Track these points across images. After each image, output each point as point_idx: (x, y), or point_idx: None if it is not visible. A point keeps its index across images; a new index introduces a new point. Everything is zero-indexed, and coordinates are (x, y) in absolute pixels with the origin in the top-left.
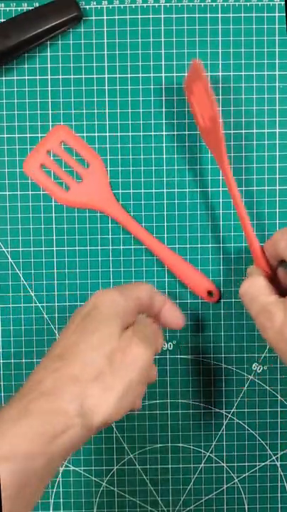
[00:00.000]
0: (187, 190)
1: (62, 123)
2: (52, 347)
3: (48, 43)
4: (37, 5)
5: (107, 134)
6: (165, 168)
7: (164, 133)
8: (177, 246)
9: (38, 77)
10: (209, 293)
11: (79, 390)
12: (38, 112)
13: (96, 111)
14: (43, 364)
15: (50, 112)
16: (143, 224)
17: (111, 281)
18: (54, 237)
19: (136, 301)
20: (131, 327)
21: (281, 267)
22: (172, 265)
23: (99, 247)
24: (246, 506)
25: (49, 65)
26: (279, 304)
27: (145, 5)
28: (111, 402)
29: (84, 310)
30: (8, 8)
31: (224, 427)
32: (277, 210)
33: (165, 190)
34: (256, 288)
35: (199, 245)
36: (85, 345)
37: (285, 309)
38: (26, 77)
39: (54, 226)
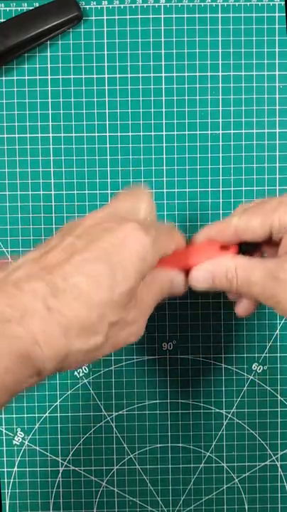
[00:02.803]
0: (187, 190)
1: (62, 123)
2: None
3: (48, 43)
4: (37, 5)
5: (107, 134)
6: (165, 168)
7: (164, 133)
8: None
9: (37, 77)
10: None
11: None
12: (38, 112)
13: (96, 111)
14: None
15: (50, 111)
16: None
17: None
18: None
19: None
20: None
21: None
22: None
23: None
24: (246, 506)
25: (49, 65)
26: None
27: (145, 5)
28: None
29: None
30: (8, 8)
31: (224, 427)
32: None
33: (165, 191)
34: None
35: None
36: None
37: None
38: (26, 77)
39: (54, 226)
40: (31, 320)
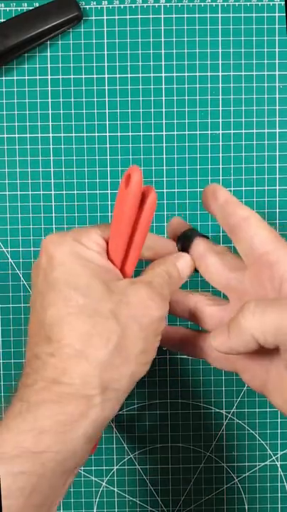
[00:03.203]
0: (187, 190)
1: (62, 123)
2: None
3: (48, 42)
4: (37, 5)
5: (107, 134)
6: (165, 168)
7: (164, 133)
8: None
9: (37, 77)
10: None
11: (89, 365)
12: (38, 112)
13: (96, 111)
14: (33, 353)
15: (50, 111)
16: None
17: None
18: None
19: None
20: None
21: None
22: None
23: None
24: (246, 506)
25: (49, 65)
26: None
27: (145, 5)
28: (131, 362)
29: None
30: (8, 8)
31: (224, 427)
32: (277, 210)
33: (165, 191)
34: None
35: None
36: (75, 316)
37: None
38: (26, 77)
39: (54, 226)
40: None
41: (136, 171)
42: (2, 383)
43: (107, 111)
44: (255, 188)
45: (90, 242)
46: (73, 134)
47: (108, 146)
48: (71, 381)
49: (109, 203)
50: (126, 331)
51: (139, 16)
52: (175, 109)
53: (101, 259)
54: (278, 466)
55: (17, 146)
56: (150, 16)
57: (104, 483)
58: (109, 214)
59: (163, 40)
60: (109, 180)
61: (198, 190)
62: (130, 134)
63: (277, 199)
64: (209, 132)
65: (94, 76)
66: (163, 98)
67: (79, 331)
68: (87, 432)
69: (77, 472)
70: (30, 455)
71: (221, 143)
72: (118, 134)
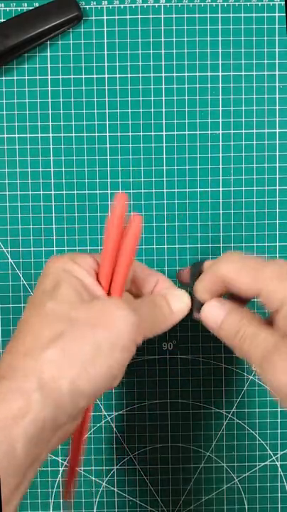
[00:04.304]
0: (187, 190)
1: (62, 123)
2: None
3: (48, 42)
4: (37, 5)
5: (107, 134)
6: (165, 168)
7: (164, 133)
8: (177, 246)
9: (37, 77)
10: None
11: (34, 361)
12: (38, 112)
13: (96, 111)
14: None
15: (50, 111)
16: (143, 224)
17: None
18: (54, 237)
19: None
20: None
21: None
22: None
23: (99, 248)
24: (246, 506)
25: (49, 65)
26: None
27: (145, 5)
28: (76, 365)
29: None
30: (8, 8)
31: (224, 427)
32: (277, 210)
33: (165, 191)
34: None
35: (199, 245)
36: (38, 317)
37: None
38: (26, 77)
39: (54, 226)
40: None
41: (119, 199)
42: None
43: (107, 111)
44: (255, 188)
45: (83, 263)
46: (73, 134)
47: (108, 146)
48: (13, 376)
49: (109, 203)
50: (77, 334)
51: (139, 16)
52: (175, 109)
53: (87, 276)
54: (278, 466)
55: (17, 146)
56: (150, 16)
57: (104, 483)
58: (109, 214)
59: (163, 40)
60: (109, 180)
61: (198, 190)
62: (130, 134)
63: (277, 199)
64: (209, 132)
65: (94, 76)
66: (163, 98)
67: (34, 330)
68: (28, 432)
69: (31, 477)
70: None
71: (221, 143)
72: (118, 134)
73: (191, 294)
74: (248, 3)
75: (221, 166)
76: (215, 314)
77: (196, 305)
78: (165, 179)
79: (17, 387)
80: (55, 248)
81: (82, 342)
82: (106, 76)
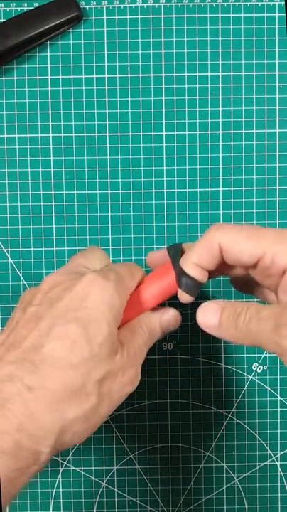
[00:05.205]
0: (187, 190)
1: (62, 123)
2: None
3: (48, 42)
4: (37, 5)
5: (107, 134)
6: (165, 168)
7: (164, 133)
8: None
9: (37, 77)
10: None
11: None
12: (38, 112)
13: (96, 111)
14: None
15: (50, 111)
16: (143, 224)
17: None
18: (54, 237)
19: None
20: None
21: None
22: None
23: (99, 247)
24: (246, 506)
25: (49, 65)
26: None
27: (145, 5)
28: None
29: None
30: (8, 8)
31: (224, 427)
32: (277, 210)
33: (165, 191)
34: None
35: None
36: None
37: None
38: (26, 77)
39: (54, 226)
40: (13, 407)
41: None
42: None
43: (107, 111)
44: (255, 188)
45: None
46: (73, 134)
47: (108, 146)
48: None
49: (109, 203)
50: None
51: (139, 16)
52: (175, 109)
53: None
54: (278, 466)
55: (17, 146)
56: (150, 16)
57: (104, 483)
58: (109, 214)
59: (163, 40)
60: (109, 180)
61: (198, 190)
62: (130, 134)
63: (277, 199)
64: (209, 132)
65: (94, 76)
66: (163, 98)
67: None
68: (24, 482)
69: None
70: None
71: (221, 143)
72: (118, 134)
73: (178, 276)
74: (248, 3)
75: (221, 166)
76: (211, 315)
77: (185, 286)
78: (165, 179)
79: (29, 446)
80: (55, 248)
81: (74, 324)
82: (106, 76)
